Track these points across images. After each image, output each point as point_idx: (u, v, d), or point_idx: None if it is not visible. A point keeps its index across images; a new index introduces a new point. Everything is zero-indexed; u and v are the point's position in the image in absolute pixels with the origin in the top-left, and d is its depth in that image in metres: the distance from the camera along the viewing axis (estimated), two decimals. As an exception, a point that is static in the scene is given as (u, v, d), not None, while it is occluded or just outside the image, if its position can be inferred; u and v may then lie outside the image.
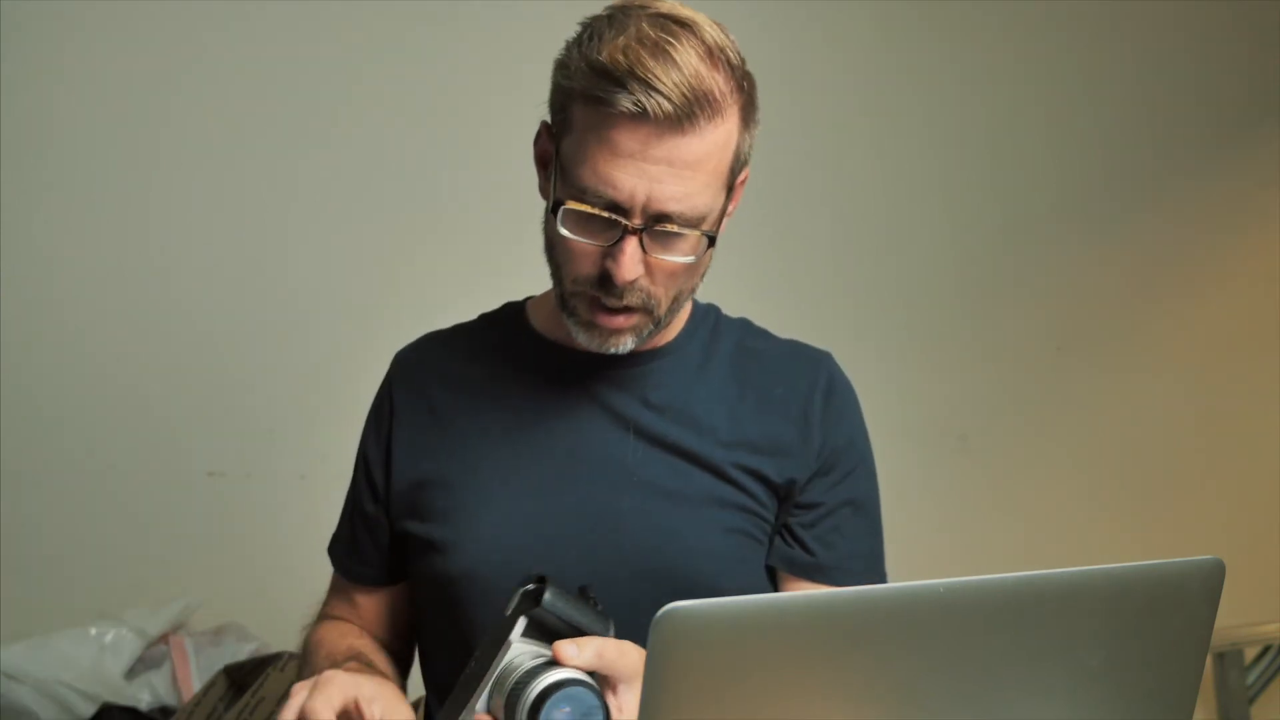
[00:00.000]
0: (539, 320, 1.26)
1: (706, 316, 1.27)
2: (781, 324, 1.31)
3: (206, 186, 2.37)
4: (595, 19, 1.09)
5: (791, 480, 1.19)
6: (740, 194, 1.16)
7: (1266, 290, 3.07)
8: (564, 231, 1.07)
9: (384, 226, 2.46)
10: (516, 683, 0.91)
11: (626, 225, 1.05)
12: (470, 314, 1.32)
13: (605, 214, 1.05)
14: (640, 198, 1.04)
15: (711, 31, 1.06)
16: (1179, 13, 2.96)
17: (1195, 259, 3.05)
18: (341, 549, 1.30)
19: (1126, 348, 3.00)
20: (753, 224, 2.57)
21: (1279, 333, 3.07)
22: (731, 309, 1.31)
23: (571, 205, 1.06)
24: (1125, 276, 2.99)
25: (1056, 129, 2.92)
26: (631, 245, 1.06)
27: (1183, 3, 2.96)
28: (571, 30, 1.11)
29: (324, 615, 1.31)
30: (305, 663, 1.24)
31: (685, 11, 1.08)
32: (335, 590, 1.32)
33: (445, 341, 1.30)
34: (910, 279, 2.84)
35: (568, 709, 0.89)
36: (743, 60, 1.09)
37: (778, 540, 1.21)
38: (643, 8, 1.08)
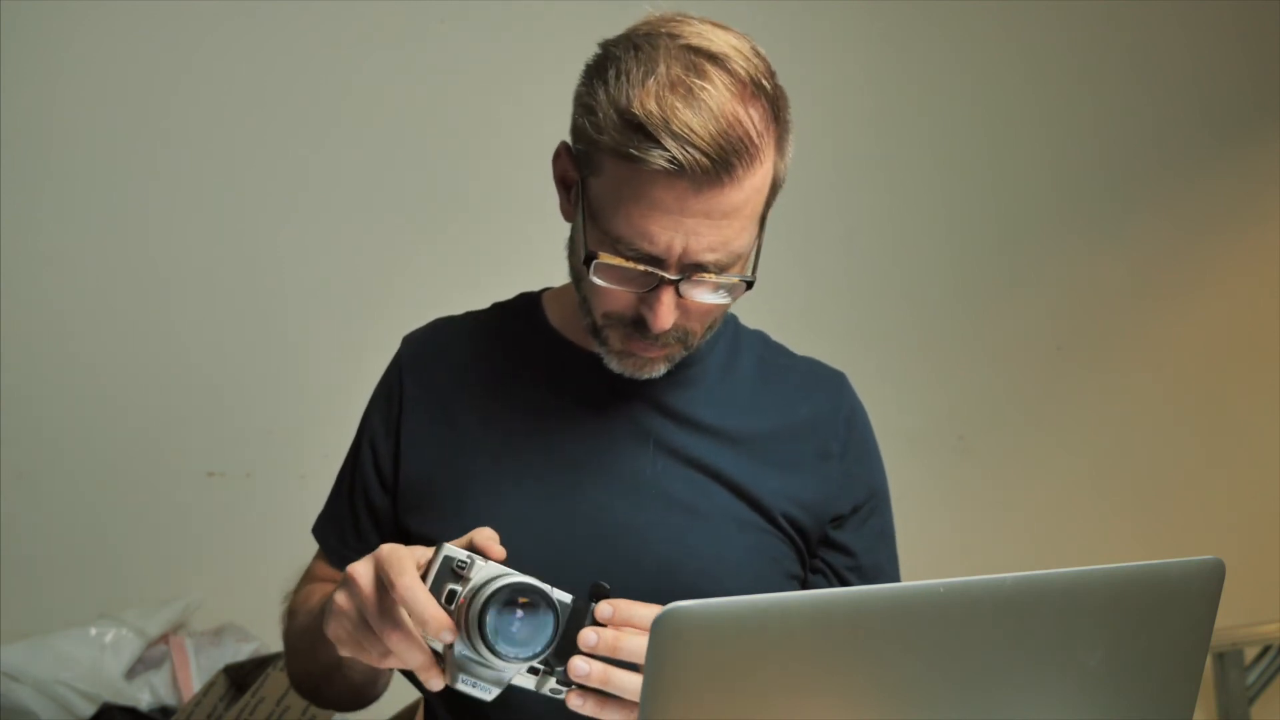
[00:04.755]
0: (555, 317, 1.22)
1: (726, 325, 1.24)
2: (781, 324, 1.31)
3: (206, 185, 2.37)
4: (619, 48, 1.03)
5: (809, 502, 1.18)
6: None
7: (1266, 290, 3.07)
8: (596, 280, 1.04)
9: (385, 226, 2.46)
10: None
11: (663, 277, 1.02)
12: (473, 313, 1.30)
13: (641, 267, 1.02)
14: (677, 250, 1.01)
15: (742, 62, 1.01)
16: (1179, 13, 2.96)
17: (1195, 259, 3.04)
18: (334, 533, 1.22)
19: (1126, 348, 3.00)
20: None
21: (1279, 333, 3.07)
22: (731, 309, 1.30)
23: (605, 259, 1.02)
24: (1125, 276, 2.98)
25: (1056, 129, 2.91)
26: (668, 295, 1.03)
27: (1183, 3, 2.96)
28: (581, 41, 1.06)
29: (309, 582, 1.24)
30: (296, 612, 1.18)
31: (716, 41, 1.01)
32: (320, 565, 1.24)
33: (458, 331, 1.24)
34: (910, 279, 2.84)
35: (520, 615, 0.88)
36: (773, 75, 1.05)
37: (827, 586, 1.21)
38: (672, 36, 1.01)
